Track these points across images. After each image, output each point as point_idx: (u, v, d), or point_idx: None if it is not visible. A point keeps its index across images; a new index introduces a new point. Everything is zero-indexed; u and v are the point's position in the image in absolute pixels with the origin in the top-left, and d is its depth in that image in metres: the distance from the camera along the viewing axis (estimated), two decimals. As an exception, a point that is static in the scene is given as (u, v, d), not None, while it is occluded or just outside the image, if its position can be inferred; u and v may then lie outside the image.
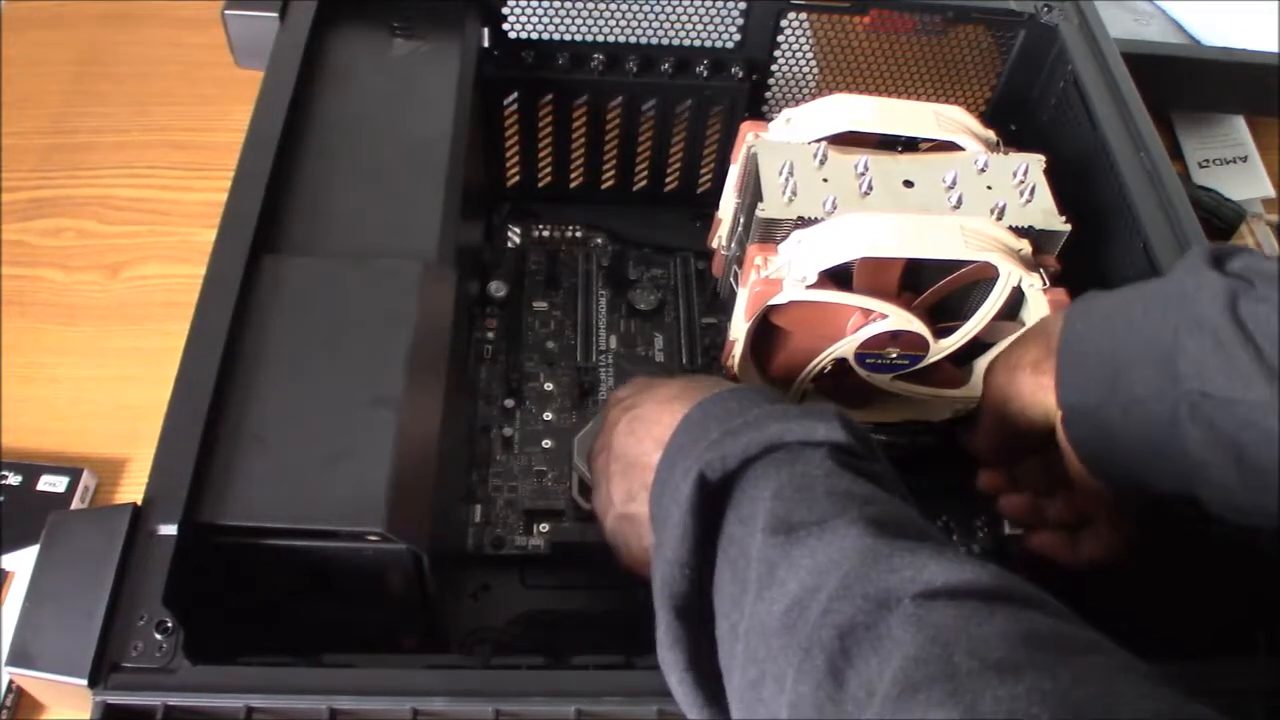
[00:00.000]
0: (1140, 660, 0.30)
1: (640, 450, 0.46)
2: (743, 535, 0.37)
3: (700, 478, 0.38)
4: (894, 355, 0.56)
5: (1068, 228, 0.54)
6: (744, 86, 0.69)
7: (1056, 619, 0.31)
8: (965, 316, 0.55)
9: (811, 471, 0.37)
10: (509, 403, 0.66)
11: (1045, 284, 0.52)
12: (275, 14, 0.60)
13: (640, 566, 0.47)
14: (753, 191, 0.55)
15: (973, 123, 0.59)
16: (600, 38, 0.68)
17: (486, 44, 0.67)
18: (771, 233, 0.54)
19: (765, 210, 0.53)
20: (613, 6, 0.66)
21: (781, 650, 0.32)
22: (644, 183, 0.76)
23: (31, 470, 0.63)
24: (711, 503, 0.38)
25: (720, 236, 0.65)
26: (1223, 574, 0.48)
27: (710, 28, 0.68)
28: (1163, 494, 0.44)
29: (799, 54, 0.70)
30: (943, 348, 0.56)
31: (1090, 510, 0.50)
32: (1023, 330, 0.53)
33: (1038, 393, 0.48)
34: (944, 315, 0.55)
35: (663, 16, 0.67)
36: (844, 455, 0.39)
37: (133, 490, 0.64)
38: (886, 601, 0.31)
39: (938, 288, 0.54)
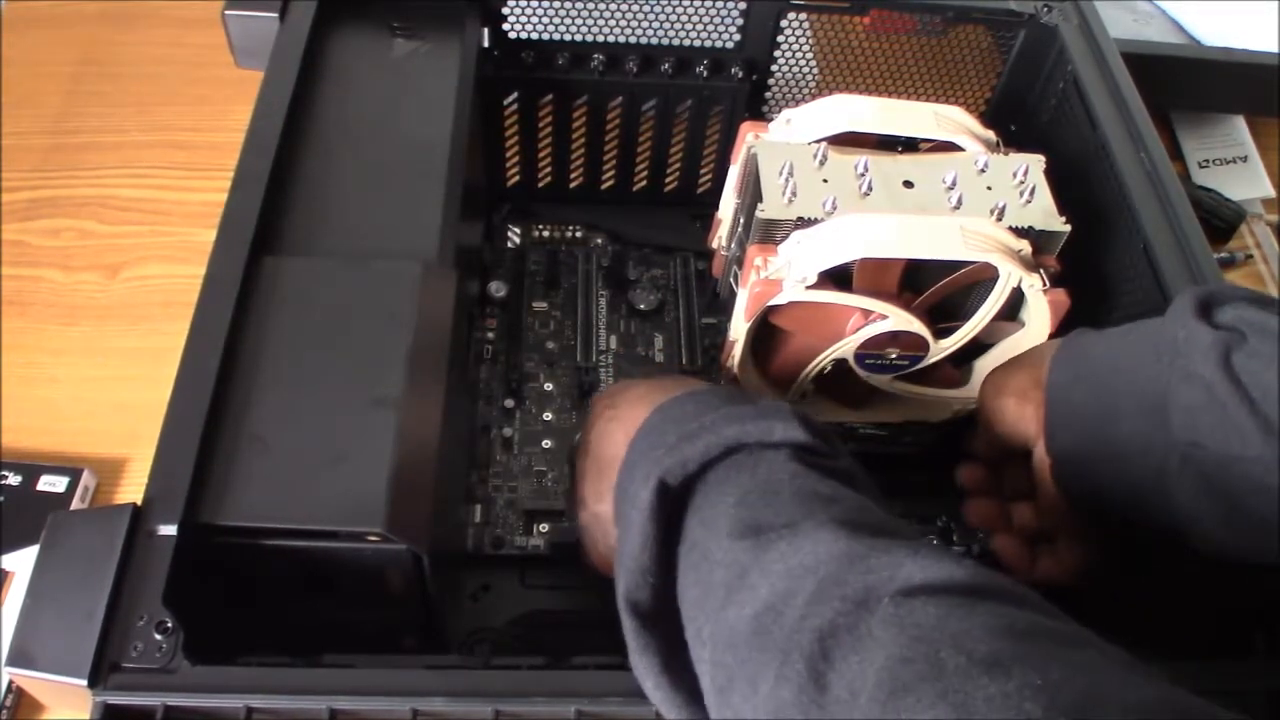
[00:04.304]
0: (1126, 652, 0.30)
1: (612, 450, 0.46)
2: (705, 539, 0.36)
3: (660, 484, 0.37)
4: (894, 356, 0.56)
5: (1067, 228, 0.54)
6: (744, 87, 0.69)
7: (1037, 613, 0.30)
8: (965, 317, 0.55)
9: (776, 475, 0.37)
10: (509, 403, 0.66)
11: (1045, 284, 0.52)
12: (275, 14, 0.60)
13: (605, 566, 0.47)
14: (753, 192, 0.55)
15: (972, 123, 0.59)
16: (600, 38, 0.68)
17: (486, 44, 0.67)
18: (771, 233, 0.54)
19: (765, 211, 0.53)
20: (613, 6, 0.66)
21: (754, 655, 0.32)
22: (644, 183, 0.76)
23: (31, 470, 0.63)
24: (673, 508, 0.38)
25: (720, 237, 0.65)
26: (1220, 576, 0.48)
27: (710, 28, 0.68)
28: (1154, 533, 0.44)
29: (799, 54, 0.70)
30: (943, 348, 0.56)
31: (1053, 530, 0.51)
32: (1013, 336, 0.53)
33: (1020, 421, 0.50)
34: (944, 316, 0.55)
35: (663, 16, 0.67)
36: (806, 454, 0.38)
37: (133, 490, 0.64)
38: (865, 602, 0.30)
39: (938, 288, 0.54)
